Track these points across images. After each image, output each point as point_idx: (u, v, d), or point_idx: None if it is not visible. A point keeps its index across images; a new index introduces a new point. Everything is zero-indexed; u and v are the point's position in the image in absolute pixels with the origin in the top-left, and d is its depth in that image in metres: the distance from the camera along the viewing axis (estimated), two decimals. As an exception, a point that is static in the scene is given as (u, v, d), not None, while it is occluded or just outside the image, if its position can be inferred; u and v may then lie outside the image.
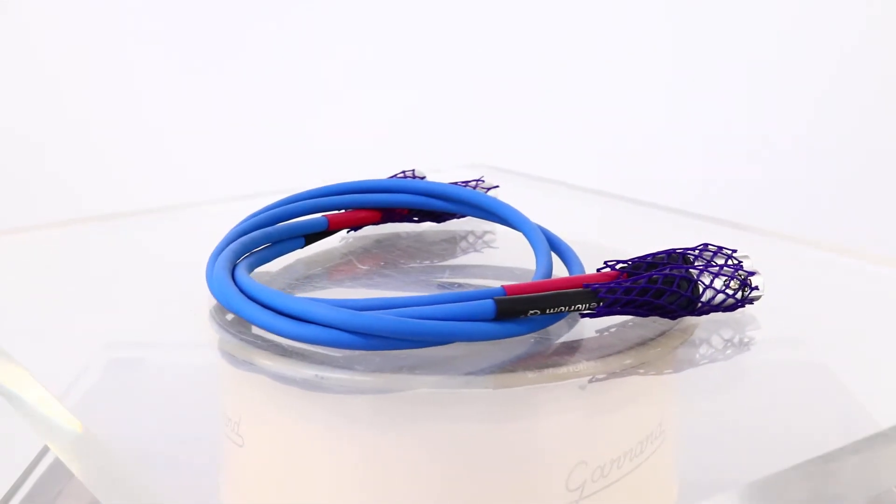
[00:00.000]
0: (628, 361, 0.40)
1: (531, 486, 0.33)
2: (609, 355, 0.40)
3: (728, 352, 0.43)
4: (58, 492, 0.33)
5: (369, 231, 0.56)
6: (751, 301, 0.43)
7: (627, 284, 0.41)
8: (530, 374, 0.39)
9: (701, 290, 0.41)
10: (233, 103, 1.00)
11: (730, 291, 0.42)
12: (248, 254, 0.47)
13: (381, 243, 0.54)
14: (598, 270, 0.43)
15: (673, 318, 0.42)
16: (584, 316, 0.41)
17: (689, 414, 0.39)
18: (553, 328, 0.42)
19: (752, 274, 0.43)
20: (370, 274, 0.50)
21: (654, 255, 0.44)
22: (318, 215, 0.52)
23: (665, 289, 0.41)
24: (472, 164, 0.70)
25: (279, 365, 0.39)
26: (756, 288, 0.43)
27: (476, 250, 0.55)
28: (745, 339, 0.43)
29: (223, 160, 0.99)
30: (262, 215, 0.50)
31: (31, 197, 0.99)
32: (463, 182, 0.57)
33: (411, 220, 0.55)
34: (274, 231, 0.49)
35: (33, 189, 1.00)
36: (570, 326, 0.42)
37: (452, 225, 0.57)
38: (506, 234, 0.55)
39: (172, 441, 0.36)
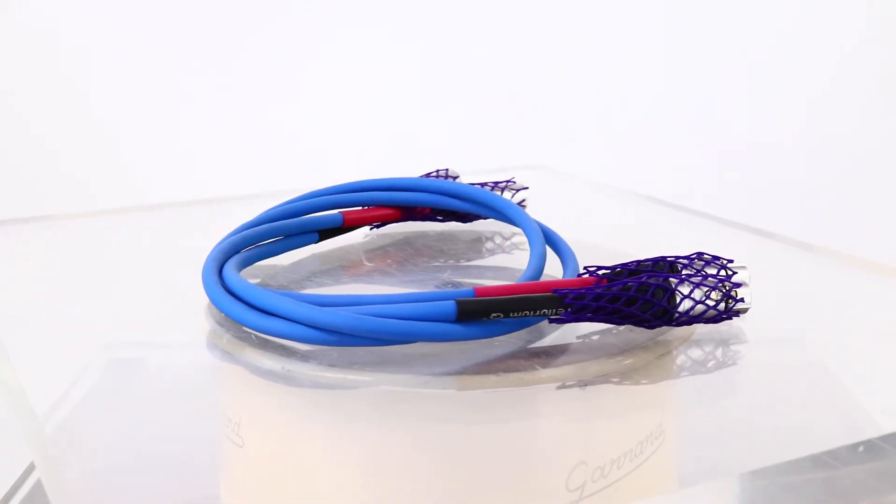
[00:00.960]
0: (594, 369, 0.39)
1: (531, 487, 0.33)
2: (579, 362, 0.40)
3: (728, 352, 0.42)
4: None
5: (395, 229, 0.56)
6: (736, 314, 0.41)
7: (598, 291, 0.40)
8: (493, 378, 0.39)
9: (678, 300, 0.40)
10: (260, 101, 1.00)
11: (710, 303, 0.41)
12: (252, 246, 0.48)
13: (401, 241, 0.55)
14: (578, 276, 0.42)
15: (649, 327, 0.41)
16: (553, 321, 0.40)
17: (689, 414, 0.39)
18: (538, 333, 0.42)
19: (738, 286, 0.41)
20: (372, 272, 0.50)
21: (640, 261, 0.43)
22: (334, 211, 0.52)
23: (638, 297, 0.40)
24: (528, 164, 0.70)
25: (279, 365, 0.39)
26: (741, 300, 0.41)
27: (504, 251, 0.55)
28: (745, 340, 0.43)
29: (247, 159, 1.00)
30: (276, 209, 0.51)
31: (31, 195, 1.01)
32: (493, 182, 0.57)
33: (434, 220, 0.56)
34: (286, 225, 0.50)
35: (33, 187, 1.01)
36: (551, 332, 0.42)
37: (481, 225, 0.57)
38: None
39: (172, 442, 0.35)
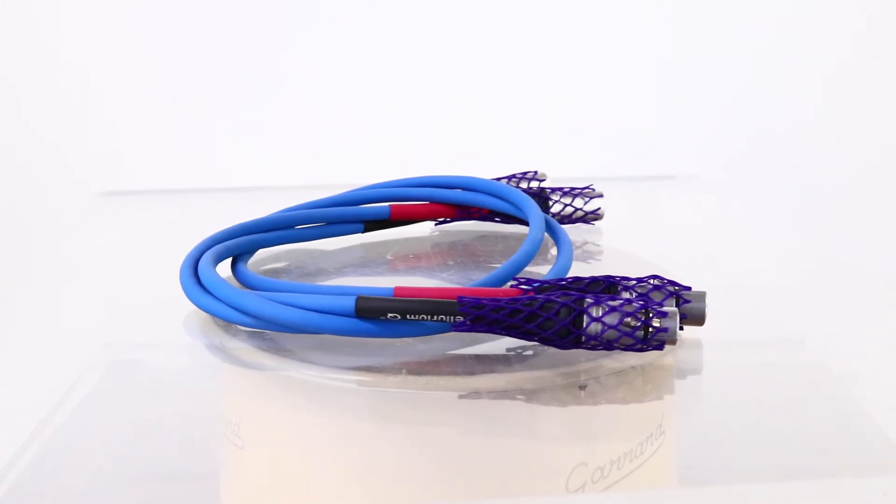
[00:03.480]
0: (477, 384, 0.39)
1: (532, 487, 0.33)
2: (462, 375, 0.39)
3: (728, 353, 0.42)
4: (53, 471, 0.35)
5: (464, 226, 0.57)
6: (660, 345, 0.38)
7: (500, 304, 0.39)
8: (365, 378, 0.40)
9: (586, 322, 0.38)
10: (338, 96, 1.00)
11: (627, 329, 0.38)
12: (268, 230, 0.51)
13: (460, 241, 0.55)
14: (513, 286, 0.41)
15: (558, 347, 0.39)
16: (455, 329, 0.40)
17: (688, 414, 0.38)
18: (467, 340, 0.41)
19: (664, 315, 0.38)
20: (380, 266, 0.52)
21: (578, 278, 0.41)
22: (383, 204, 0.54)
23: (539, 314, 0.38)
24: (663, 174, 0.68)
25: (280, 366, 0.40)
26: (665, 330, 0.38)
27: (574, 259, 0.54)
28: (745, 340, 0.43)
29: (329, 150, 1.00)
30: (325, 199, 0.54)
31: (32, 194, 1.05)
32: (569, 188, 0.56)
33: (492, 220, 0.55)
34: (331, 212, 0.53)
35: (35, 186, 1.05)
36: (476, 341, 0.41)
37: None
38: (614, 249, 0.54)
39: (172, 443, 0.36)
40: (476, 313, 0.39)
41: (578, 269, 0.50)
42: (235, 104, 0.95)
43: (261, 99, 0.95)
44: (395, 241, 0.55)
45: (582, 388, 0.39)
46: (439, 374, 0.39)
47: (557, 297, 0.39)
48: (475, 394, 0.38)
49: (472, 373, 0.39)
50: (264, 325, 0.42)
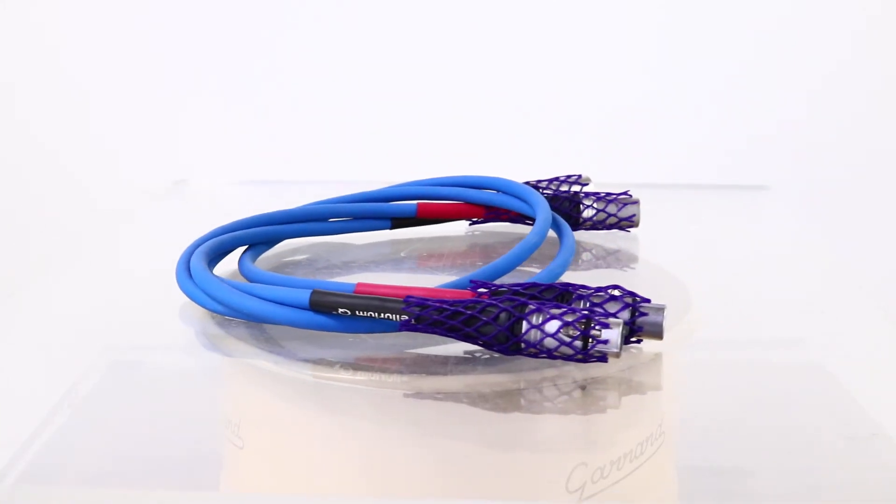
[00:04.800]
0: (405, 380, 0.39)
1: (531, 488, 0.34)
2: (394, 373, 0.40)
3: (728, 353, 0.43)
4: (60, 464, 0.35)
5: (496, 228, 0.56)
6: (601, 357, 0.37)
7: (443, 305, 0.39)
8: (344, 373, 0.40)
9: (524, 328, 0.38)
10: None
11: (566, 338, 0.37)
12: (295, 221, 0.52)
13: (488, 242, 0.55)
14: (470, 288, 0.41)
15: (499, 351, 0.39)
16: (401, 327, 0.40)
17: (688, 415, 0.38)
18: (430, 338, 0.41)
19: (606, 327, 0.37)
20: (395, 263, 0.52)
21: (534, 284, 0.40)
22: (411, 202, 0.54)
23: (479, 318, 0.38)
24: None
25: (280, 367, 0.41)
26: (605, 342, 0.37)
27: (595, 265, 0.53)
28: (745, 340, 0.44)
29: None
30: (354, 195, 0.55)
31: (33, 195, 1.03)
32: (605, 193, 0.55)
33: (523, 222, 0.55)
34: (360, 208, 0.54)
35: (36, 187, 1.03)
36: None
37: (585, 236, 0.55)
38: (637, 258, 0.54)
39: (172, 443, 0.36)
40: (419, 313, 0.39)
41: (584, 277, 0.50)
42: (277, 100, 0.97)
43: (307, 96, 0.97)
44: (420, 240, 0.55)
45: (582, 388, 0.38)
46: (444, 374, 0.39)
47: (500, 301, 0.38)
48: (480, 394, 0.38)
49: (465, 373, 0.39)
50: (231, 314, 0.43)
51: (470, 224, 0.57)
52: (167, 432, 0.37)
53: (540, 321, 0.38)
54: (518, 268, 0.47)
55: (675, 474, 0.35)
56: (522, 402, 0.38)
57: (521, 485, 0.33)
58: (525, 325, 0.38)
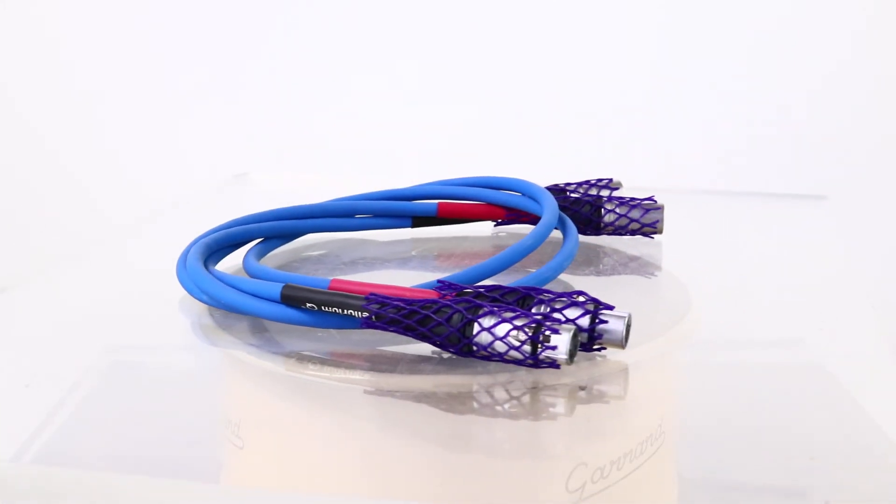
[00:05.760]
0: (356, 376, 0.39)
1: (531, 488, 0.34)
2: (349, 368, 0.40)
3: (728, 353, 0.43)
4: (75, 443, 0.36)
5: (522, 230, 0.56)
6: (552, 363, 0.37)
7: (401, 304, 0.39)
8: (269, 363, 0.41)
9: (475, 331, 0.37)
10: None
11: (515, 343, 0.37)
12: (317, 216, 0.53)
13: (501, 242, 0.55)
14: (436, 288, 0.41)
15: (453, 353, 0.39)
16: (363, 324, 0.40)
17: (689, 415, 0.38)
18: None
19: (556, 332, 0.37)
20: (395, 261, 0.52)
21: (499, 286, 0.40)
22: (433, 201, 0.54)
23: (433, 318, 0.38)
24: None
25: (279, 367, 0.41)
26: (554, 348, 0.37)
27: (614, 270, 0.52)
28: (745, 341, 0.44)
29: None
30: (377, 193, 0.55)
31: (33, 197, 1.03)
32: (629, 198, 0.54)
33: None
34: (382, 205, 0.54)
35: (37, 188, 1.04)
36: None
37: (610, 241, 0.54)
38: (652, 265, 0.53)
39: (172, 444, 0.36)
40: (377, 311, 0.39)
41: (586, 280, 0.49)
42: (322, 99, 0.98)
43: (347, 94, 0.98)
44: (440, 239, 0.55)
45: (582, 388, 0.38)
46: (444, 374, 0.39)
47: (456, 303, 0.38)
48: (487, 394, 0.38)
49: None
50: (214, 304, 0.44)
51: (495, 225, 0.56)
52: (166, 432, 0.37)
53: (491, 324, 0.37)
54: (523, 269, 0.47)
55: (675, 474, 0.35)
56: (522, 401, 0.37)
57: (521, 484, 0.33)
58: (476, 327, 0.38)
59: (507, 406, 0.37)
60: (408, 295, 0.40)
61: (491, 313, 0.38)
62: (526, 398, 0.37)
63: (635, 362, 0.39)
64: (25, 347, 0.44)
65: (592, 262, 0.52)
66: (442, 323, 0.38)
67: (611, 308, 0.39)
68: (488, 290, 0.40)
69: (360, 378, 0.39)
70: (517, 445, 0.36)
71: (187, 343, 0.44)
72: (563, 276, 0.49)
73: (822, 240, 0.59)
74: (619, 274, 0.52)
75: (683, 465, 0.35)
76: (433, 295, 0.40)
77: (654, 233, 0.53)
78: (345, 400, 0.38)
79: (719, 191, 0.69)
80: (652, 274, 0.52)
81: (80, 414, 0.38)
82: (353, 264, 0.52)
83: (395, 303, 0.39)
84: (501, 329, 0.37)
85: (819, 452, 0.34)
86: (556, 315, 0.38)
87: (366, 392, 0.38)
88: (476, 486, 0.33)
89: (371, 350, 0.41)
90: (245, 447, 0.36)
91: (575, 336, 0.37)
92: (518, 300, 0.39)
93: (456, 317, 0.38)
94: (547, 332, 0.37)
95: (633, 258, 0.53)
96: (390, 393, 0.38)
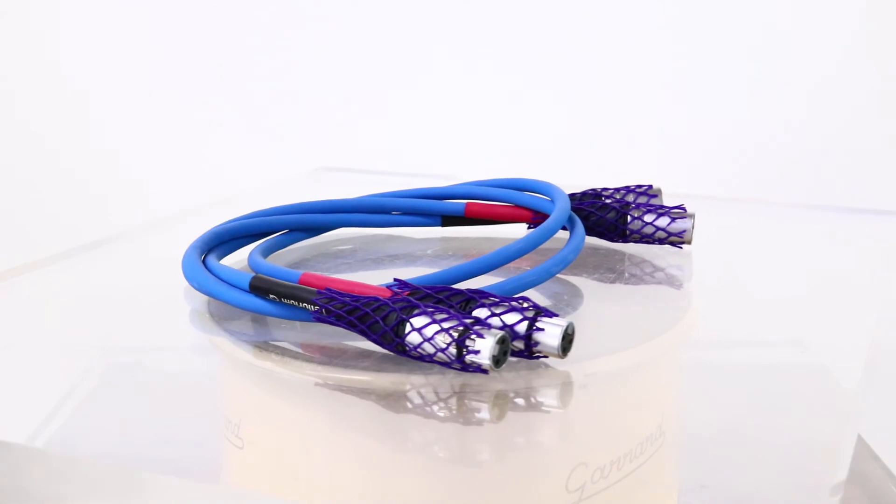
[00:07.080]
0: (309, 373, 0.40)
1: (531, 488, 0.34)
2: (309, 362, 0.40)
3: (728, 353, 0.43)
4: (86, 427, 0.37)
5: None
6: (477, 367, 0.36)
7: (347, 300, 0.39)
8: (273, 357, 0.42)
9: (407, 330, 0.37)
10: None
11: (441, 345, 0.37)
12: (348, 211, 0.54)
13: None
14: (390, 286, 0.41)
15: (391, 351, 0.39)
16: (314, 317, 0.40)
17: (689, 415, 0.39)
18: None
19: (479, 336, 0.36)
20: (405, 258, 0.53)
21: (447, 287, 0.40)
22: (462, 201, 0.55)
23: (371, 316, 0.38)
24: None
25: (279, 366, 0.40)
26: (476, 353, 0.36)
27: (635, 279, 0.51)
28: (745, 341, 0.44)
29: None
30: (408, 191, 0.56)
31: (33, 199, 1.03)
32: (658, 206, 0.52)
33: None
34: (412, 203, 0.55)
35: (37, 189, 1.03)
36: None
37: (636, 248, 0.53)
38: (670, 275, 0.51)
39: (172, 444, 0.36)
40: (325, 305, 0.40)
41: (586, 282, 0.48)
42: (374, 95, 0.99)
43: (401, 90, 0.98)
44: (466, 239, 0.55)
45: (582, 388, 0.38)
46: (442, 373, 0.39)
47: (394, 302, 0.38)
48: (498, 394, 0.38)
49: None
50: (200, 290, 0.45)
51: (528, 227, 0.56)
52: (166, 432, 0.37)
53: (422, 325, 0.37)
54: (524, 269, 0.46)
55: (675, 474, 0.35)
56: (522, 401, 0.37)
57: (521, 484, 0.33)
58: (408, 327, 0.38)
59: (507, 405, 0.37)
60: (363, 291, 0.41)
61: (423, 314, 0.38)
62: (525, 398, 0.37)
63: (635, 362, 0.39)
64: (25, 347, 0.45)
65: (600, 265, 0.51)
66: (378, 321, 0.38)
67: (553, 316, 0.38)
68: (437, 290, 0.40)
69: (360, 378, 0.39)
70: (517, 444, 0.35)
71: (191, 344, 0.45)
72: (562, 276, 0.48)
73: (822, 242, 0.58)
74: (619, 274, 0.50)
75: (683, 465, 0.35)
76: (386, 293, 0.40)
77: (682, 243, 0.51)
78: (344, 401, 0.38)
79: (720, 196, 0.67)
80: (652, 274, 0.50)
81: (80, 414, 0.39)
82: (379, 261, 0.53)
83: (343, 299, 0.39)
84: (430, 330, 0.37)
85: (819, 452, 0.34)
86: (493, 320, 0.38)
87: (366, 394, 0.38)
88: (476, 485, 0.33)
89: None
90: (245, 447, 0.36)
91: (502, 341, 0.36)
92: (461, 303, 0.39)
93: (391, 315, 0.38)
94: (473, 336, 0.36)
95: (635, 259, 0.52)
96: (390, 393, 0.38)
